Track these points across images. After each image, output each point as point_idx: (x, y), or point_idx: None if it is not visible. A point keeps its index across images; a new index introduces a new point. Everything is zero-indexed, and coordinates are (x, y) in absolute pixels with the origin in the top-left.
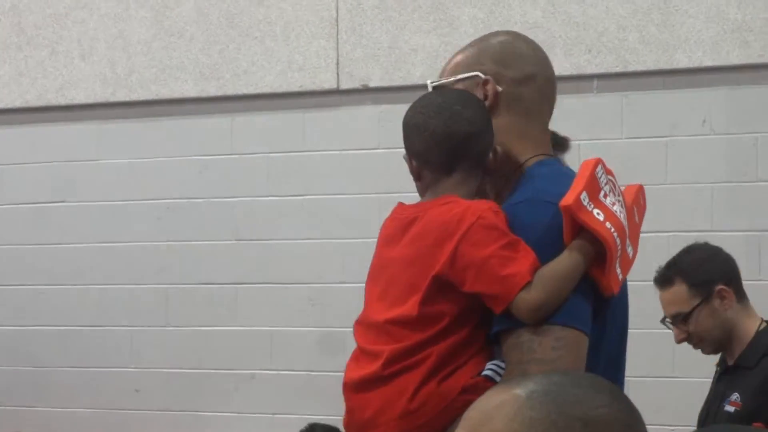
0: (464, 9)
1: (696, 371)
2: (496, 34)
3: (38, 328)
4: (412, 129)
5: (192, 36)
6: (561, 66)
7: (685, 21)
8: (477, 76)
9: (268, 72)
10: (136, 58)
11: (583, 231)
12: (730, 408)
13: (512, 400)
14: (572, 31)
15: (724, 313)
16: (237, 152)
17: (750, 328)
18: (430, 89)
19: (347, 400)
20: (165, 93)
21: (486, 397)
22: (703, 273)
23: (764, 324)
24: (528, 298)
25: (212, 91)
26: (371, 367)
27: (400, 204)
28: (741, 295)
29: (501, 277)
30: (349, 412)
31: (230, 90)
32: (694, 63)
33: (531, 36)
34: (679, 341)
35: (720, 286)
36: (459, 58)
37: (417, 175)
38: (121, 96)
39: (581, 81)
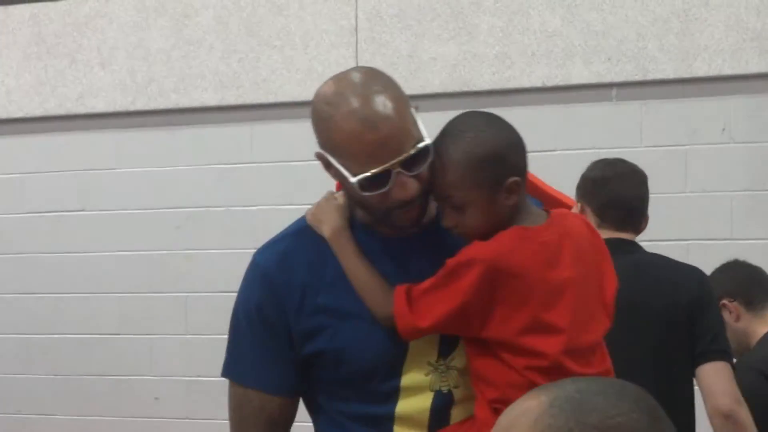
0: (483, 17)
1: None
2: (360, 69)
3: (57, 337)
4: (516, 146)
5: (211, 45)
6: (580, 74)
7: (704, 29)
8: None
9: (288, 81)
10: (156, 67)
11: None
12: None
13: (536, 407)
14: (591, 40)
15: (734, 325)
16: (256, 161)
17: (759, 335)
18: (425, 143)
19: None
20: (184, 102)
21: (518, 401)
22: None
23: None
24: None
25: (232, 99)
26: None
27: (523, 228)
28: (753, 305)
29: None
30: None
31: (250, 99)
32: (714, 71)
33: (550, 44)
34: None
35: (723, 301)
36: (399, 105)
37: (520, 194)
38: (141, 105)
39: (600, 89)
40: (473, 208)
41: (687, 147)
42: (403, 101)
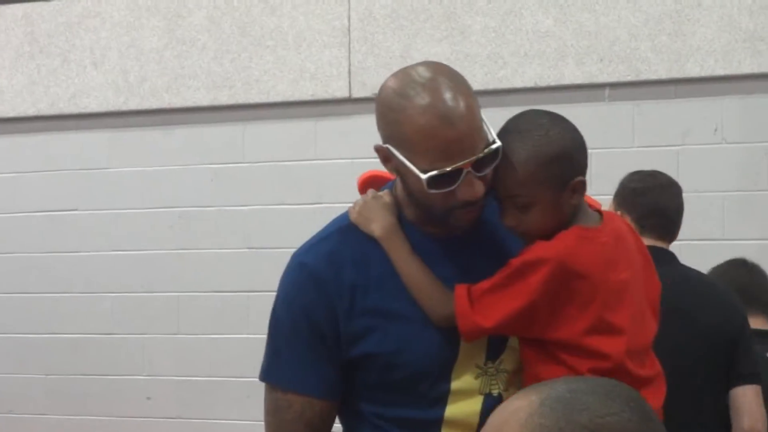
0: (476, 18)
1: None
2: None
3: (50, 336)
4: (582, 145)
5: (204, 45)
6: (573, 75)
7: (696, 30)
8: None
9: (280, 80)
10: (149, 66)
11: None
12: None
13: (527, 406)
14: (584, 40)
15: None
16: (249, 161)
17: None
18: (497, 145)
19: None
20: (177, 102)
21: (508, 401)
22: None
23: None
24: None
25: (224, 99)
26: (661, 392)
27: (584, 228)
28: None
29: None
30: None
31: (242, 99)
32: (706, 72)
33: (543, 44)
34: None
35: None
36: (472, 103)
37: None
38: (134, 104)
39: (593, 90)
40: (539, 207)
41: (679, 147)
42: (475, 99)
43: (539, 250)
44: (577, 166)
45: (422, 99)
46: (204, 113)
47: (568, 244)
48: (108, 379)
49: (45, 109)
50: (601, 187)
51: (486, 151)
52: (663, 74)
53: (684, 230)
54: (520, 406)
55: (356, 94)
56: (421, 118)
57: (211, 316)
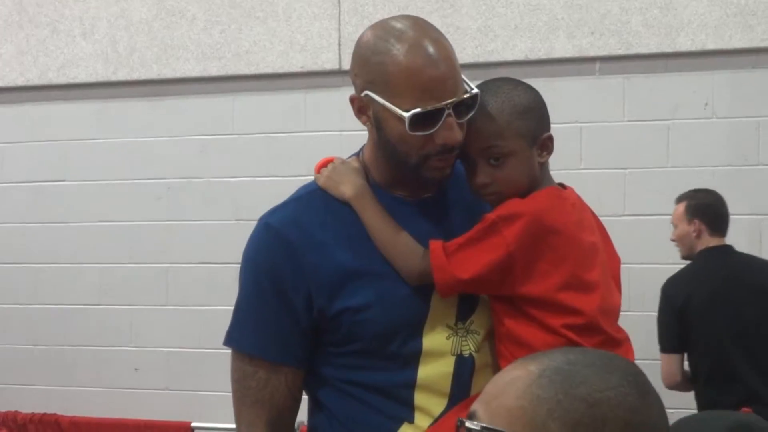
0: None
1: None
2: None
3: (38, 307)
4: (544, 105)
5: (194, 15)
6: (563, 48)
7: (688, 4)
8: None
9: (270, 52)
10: (138, 37)
11: None
12: None
13: (525, 377)
14: (575, 14)
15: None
16: (238, 132)
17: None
18: (476, 92)
19: None
20: (166, 72)
21: (505, 370)
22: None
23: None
24: None
25: (214, 71)
26: (631, 355)
27: (557, 188)
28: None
29: None
30: None
31: (232, 70)
32: (697, 46)
33: (534, 17)
34: None
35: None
36: (452, 50)
37: (550, 154)
38: (123, 75)
39: (583, 63)
40: (514, 159)
41: (669, 122)
42: (453, 49)
43: (514, 205)
44: (545, 123)
45: (407, 41)
46: (193, 84)
47: (543, 201)
48: (96, 350)
49: (34, 79)
50: (590, 160)
51: (466, 95)
52: (654, 48)
53: (673, 205)
54: (518, 375)
55: (346, 66)
56: (407, 58)
57: (199, 287)
